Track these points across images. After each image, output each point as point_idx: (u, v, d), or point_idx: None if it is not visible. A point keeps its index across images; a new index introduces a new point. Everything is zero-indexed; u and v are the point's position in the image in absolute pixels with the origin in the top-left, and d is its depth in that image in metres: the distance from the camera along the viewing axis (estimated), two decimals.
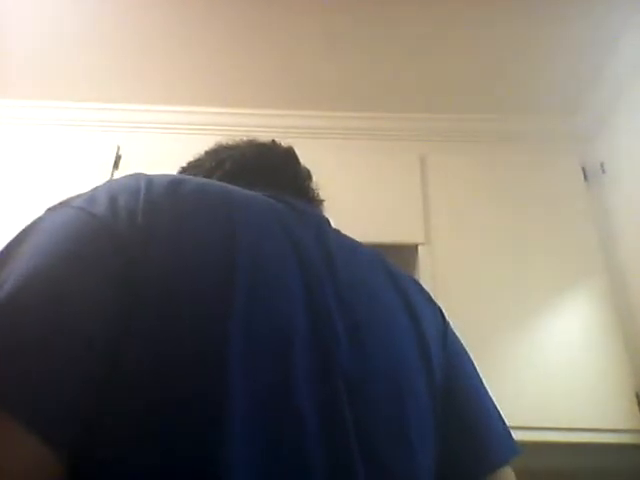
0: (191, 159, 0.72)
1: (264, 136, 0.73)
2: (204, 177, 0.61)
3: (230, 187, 0.52)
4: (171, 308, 0.39)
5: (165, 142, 2.02)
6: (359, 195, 1.90)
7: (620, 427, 1.52)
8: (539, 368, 1.61)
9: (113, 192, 0.45)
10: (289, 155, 0.71)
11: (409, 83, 1.99)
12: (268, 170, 0.67)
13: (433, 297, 0.65)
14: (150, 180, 0.47)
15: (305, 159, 0.73)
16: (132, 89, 2.04)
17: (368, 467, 0.42)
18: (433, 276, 1.76)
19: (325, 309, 0.48)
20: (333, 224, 0.62)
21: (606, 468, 1.57)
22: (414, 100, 2.05)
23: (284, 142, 0.73)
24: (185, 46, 1.88)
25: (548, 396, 1.56)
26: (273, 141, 0.72)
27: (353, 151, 2.04)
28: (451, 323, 0.64)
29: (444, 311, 0.65)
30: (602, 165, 1.94)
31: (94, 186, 0.49)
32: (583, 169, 1.96)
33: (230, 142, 0.72)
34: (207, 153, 0.71)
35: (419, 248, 1.82)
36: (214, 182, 0.51)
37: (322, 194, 0.71)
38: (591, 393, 1.57)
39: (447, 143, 2.06)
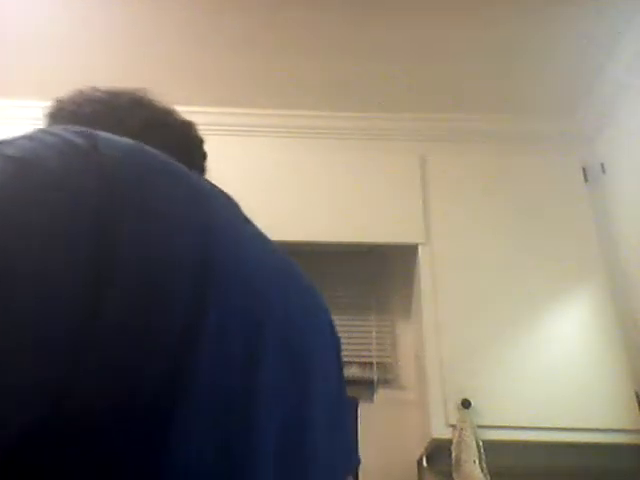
0: (75, 95, 0.62)
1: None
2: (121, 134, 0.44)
3: (187, 170, 0.44)
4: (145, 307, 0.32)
5: None
6: (359, 195, 1.90)
7: (620, 427, 1.52)
8: (539, 368, 1.61)
9: (59, 147, 0.36)
10: (201, 141, 0.68)
11: (409, 83, 1.99)
12: (187, 150, 0.63)
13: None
14: (107, 141, 0.38)
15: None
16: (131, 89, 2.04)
17: None
18: (433, 276, 1.76)
19: (285, 299, 0.48)
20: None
21: (606, 468, 1.57)
22: (414, 100, 2.05)
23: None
24: (184, 46, 1.88)
25: (548, 396, 1.56)
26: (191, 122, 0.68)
27: (353, 151, 2.04)
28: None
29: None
30: (602, 165, 1.94)
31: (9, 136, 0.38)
32: (583, 169, 1.96)
33: (120, 93, 0.64)
34: (113, 108, 0.62)
35: (419, 248, 1.82)
36: (172, 160, 0.42)
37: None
38: (591, 393, 1.57)
39: (447, 143, 2.06)
